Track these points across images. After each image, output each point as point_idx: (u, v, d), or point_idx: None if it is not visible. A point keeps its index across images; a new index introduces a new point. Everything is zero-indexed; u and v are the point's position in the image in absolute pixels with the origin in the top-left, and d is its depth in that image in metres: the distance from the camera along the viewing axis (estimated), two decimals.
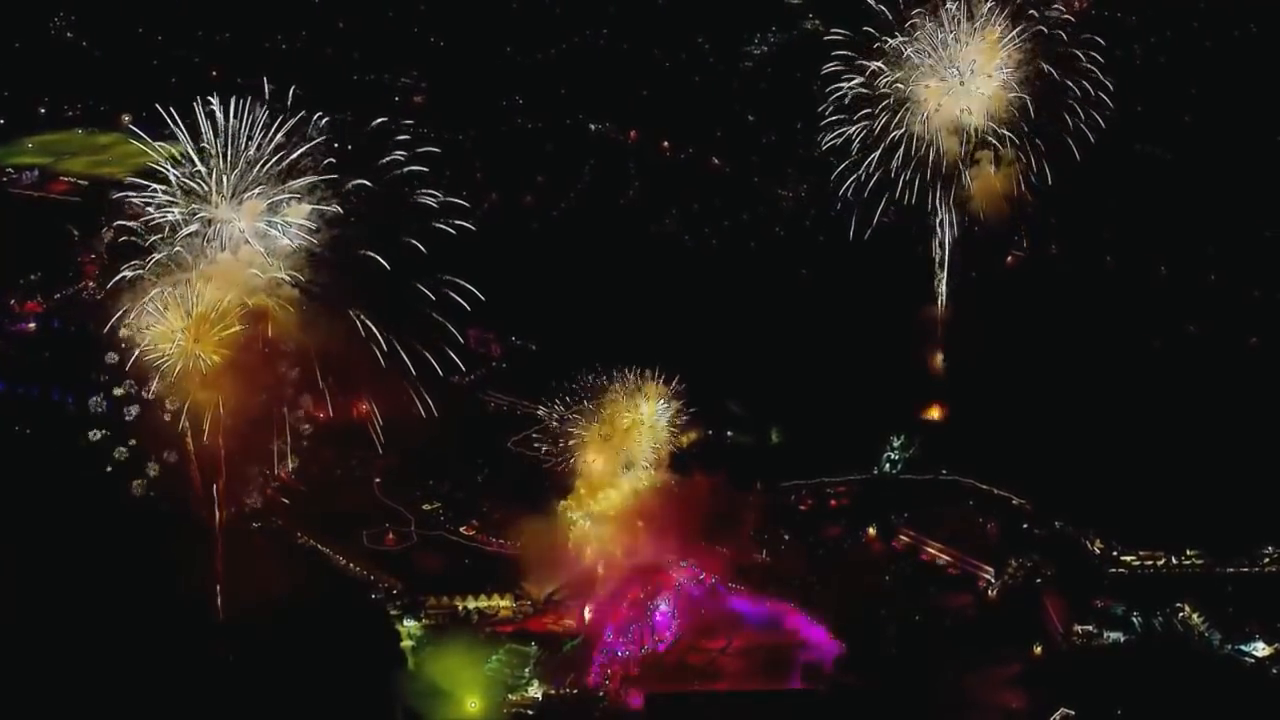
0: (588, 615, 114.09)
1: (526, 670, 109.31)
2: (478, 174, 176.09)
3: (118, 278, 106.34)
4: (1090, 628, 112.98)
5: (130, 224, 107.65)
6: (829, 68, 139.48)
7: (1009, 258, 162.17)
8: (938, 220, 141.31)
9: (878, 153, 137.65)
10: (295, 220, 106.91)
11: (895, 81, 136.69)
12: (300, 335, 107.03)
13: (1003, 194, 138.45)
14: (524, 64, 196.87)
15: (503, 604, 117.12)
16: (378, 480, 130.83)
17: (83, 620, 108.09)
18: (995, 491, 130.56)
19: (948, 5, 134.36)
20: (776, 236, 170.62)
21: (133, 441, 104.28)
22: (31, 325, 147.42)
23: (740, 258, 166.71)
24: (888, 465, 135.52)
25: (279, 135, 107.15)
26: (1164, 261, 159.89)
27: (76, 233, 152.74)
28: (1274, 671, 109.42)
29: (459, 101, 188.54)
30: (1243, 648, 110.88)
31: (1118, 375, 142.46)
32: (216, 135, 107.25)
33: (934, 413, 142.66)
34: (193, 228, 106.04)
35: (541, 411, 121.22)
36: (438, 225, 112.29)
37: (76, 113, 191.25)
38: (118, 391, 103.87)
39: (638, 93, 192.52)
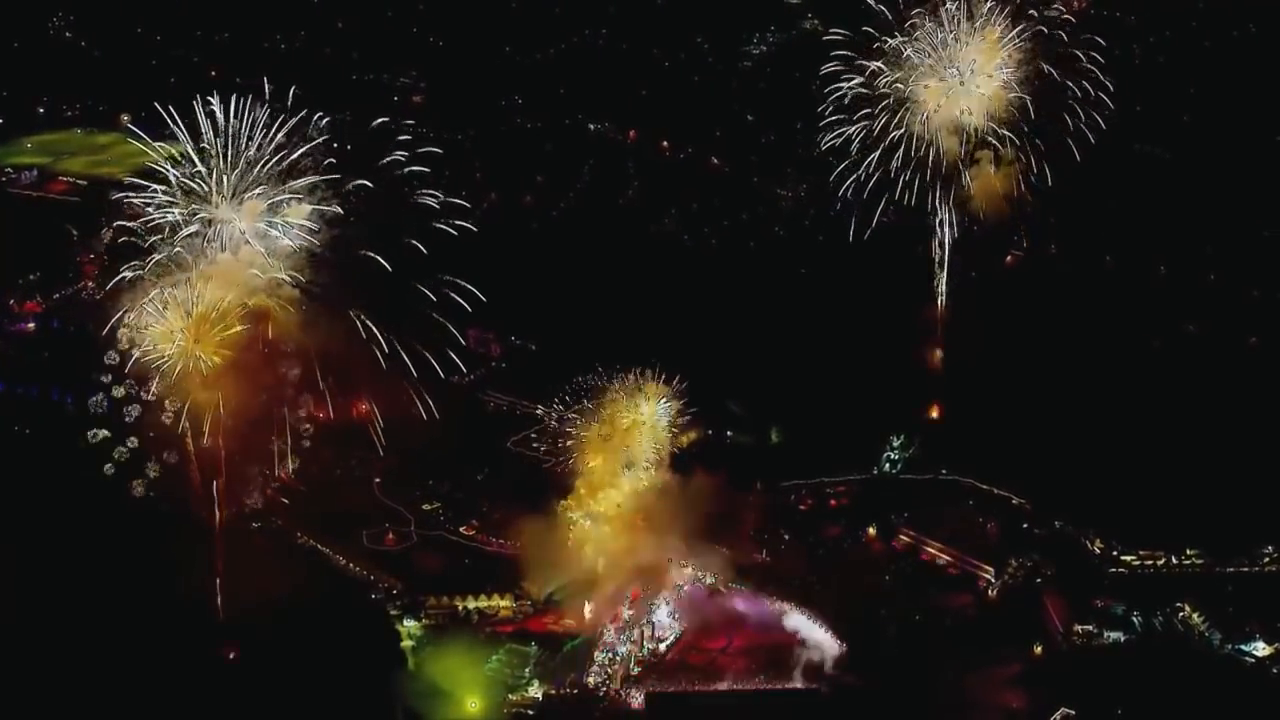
0: (588, 615, 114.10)
1: (526, 670, 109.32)
2: (477, 174, 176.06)
3: (117, 278, 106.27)
4: (1090, 628, 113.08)
5: (130, 224, 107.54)
6: (828, 68, 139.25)
7: (1009, 258, 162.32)
8: (937, 220, 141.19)
9: (877, 153, 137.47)
10: (295, 220, 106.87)
11: (895, 81, 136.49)
12: (300, 336, 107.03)
13: (1003, 194, 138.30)
14: (523, 64, 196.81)
15: (503, 604, 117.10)
16: (378, 480, 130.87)
17: (83, 620, 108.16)
18: (995, 491, 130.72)
19: (948, 5, 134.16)
20: (776, 236, 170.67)
21: (133, 442, 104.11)
22: (31, 325, 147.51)
23: (740, 258, 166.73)
24: (888, 465, 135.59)
25: (279, 135, 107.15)
26: (1163, 261, 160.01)
27: (76, 233, 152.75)
28: (1274, 671, 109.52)
29: (458, 101, 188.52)
30: (1243, 648, 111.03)
31: (1117, 375, 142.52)
32: (216, 135, 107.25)
33: (933, 412, 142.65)
34: (193, 228, 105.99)
35: (541, 411, 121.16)
36: (438, 225, 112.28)
37: (75, 112, 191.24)
38: (118, 392, 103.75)
39: (637, 92, 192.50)
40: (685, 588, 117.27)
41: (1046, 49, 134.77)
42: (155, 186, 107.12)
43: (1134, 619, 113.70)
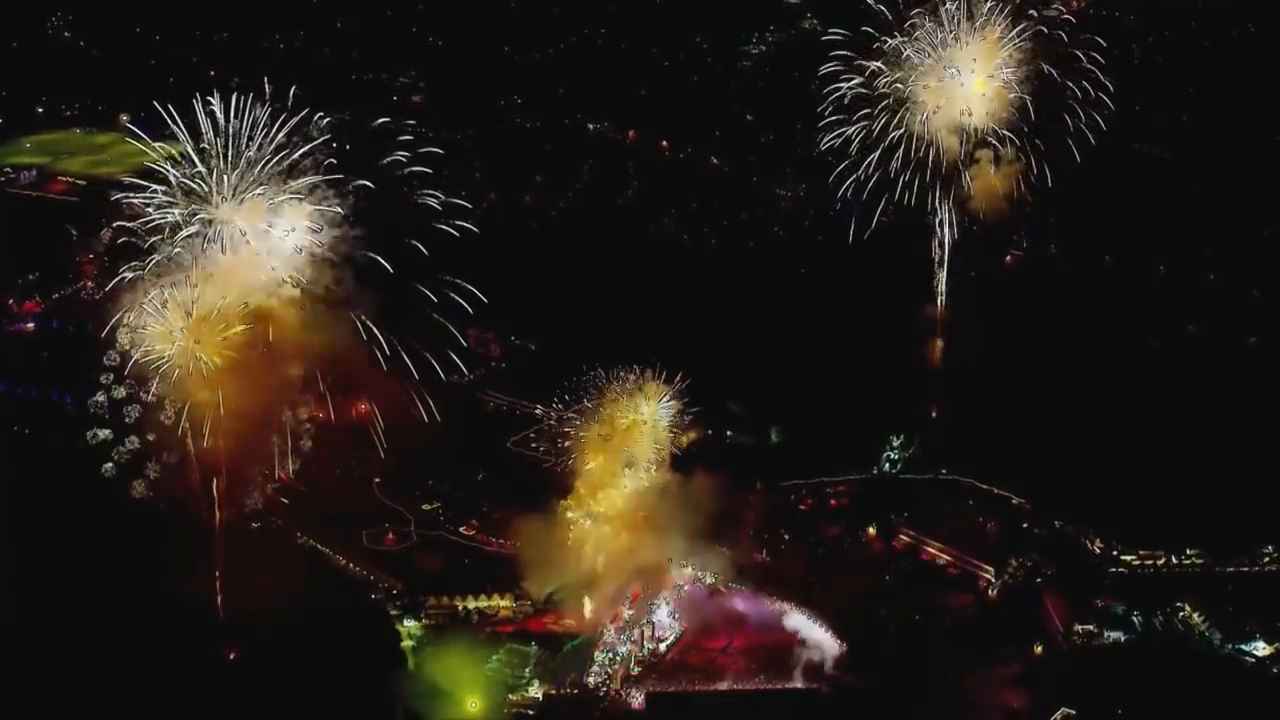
0: (588, 615, 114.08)
1: (526, 670, 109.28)
2: (476, 174, 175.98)
3: (117, 278, 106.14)
4: (1090, 627, 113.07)
5: (129, 224, 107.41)
6: (828, 68, 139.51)
7: (1008, 257, 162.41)
8: (937, 220, 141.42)
9: (877, 153, 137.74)
10: (296, 221, 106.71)
11: (895, 81, 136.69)
12: (301, 336, 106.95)
13: (1002, 194, 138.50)
14: (522, 64, 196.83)
15: (503, 604, 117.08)
16: (378, 480, 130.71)
17: (83, 620, 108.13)
18: (995, 491, 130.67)
19: (947, 5, 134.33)
20: (776, 236, 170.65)
21: (133, 442, 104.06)
22: (30, 325, 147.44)
23: (740, 258, 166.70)
24: (888, 465, 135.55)
25: (279, 135, 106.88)
26: (1163, 261, 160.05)
27: (75, 233, 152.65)
28: (1274, 671, 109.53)
29: (458, 101, 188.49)
30: (1243, 648, 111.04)
31: (1117, 375, 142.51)
32: (216, 135, 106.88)
33: (933, 412, 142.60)
34: (193, 228, 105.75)
35: (541, 411, 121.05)
36: (439, 226, 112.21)
37: (74, 112, 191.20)
38: (118, 392, 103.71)
39: (636, 92, 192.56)
40: (685, 588, 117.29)
41: (1046, 49, 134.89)
42: (155, 186, 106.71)
43: (1134, 619, 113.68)
